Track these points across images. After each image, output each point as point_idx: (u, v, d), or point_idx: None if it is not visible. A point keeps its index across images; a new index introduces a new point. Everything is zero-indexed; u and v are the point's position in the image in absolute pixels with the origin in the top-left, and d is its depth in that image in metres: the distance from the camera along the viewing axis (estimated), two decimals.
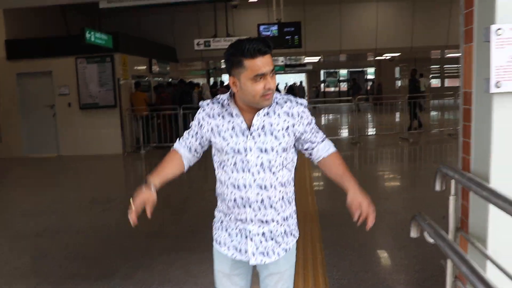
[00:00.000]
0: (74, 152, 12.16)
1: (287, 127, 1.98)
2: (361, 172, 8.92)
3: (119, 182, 9.39)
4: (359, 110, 15.74)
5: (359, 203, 1.93)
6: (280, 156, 1.98)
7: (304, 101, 2.06)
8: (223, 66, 29.52)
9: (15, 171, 10.86)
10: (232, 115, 1.99)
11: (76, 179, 9.50)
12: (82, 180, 9.25)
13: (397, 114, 16.00)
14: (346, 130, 15.56)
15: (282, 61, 28.27)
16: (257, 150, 1.95)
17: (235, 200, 2.00)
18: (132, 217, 1.92)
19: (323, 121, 19.63)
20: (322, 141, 2.12)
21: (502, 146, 1.96)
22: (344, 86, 37.20)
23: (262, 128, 1.95)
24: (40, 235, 5.55)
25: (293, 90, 29.96)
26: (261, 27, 13.18)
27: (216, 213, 2.19)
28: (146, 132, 12.45)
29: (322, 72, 37.20)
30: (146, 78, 14.45)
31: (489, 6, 1.95)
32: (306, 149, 2.11)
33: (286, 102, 2.01)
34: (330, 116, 21.57)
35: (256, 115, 1.95)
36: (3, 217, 6.56)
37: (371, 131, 15.46)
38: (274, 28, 13.14)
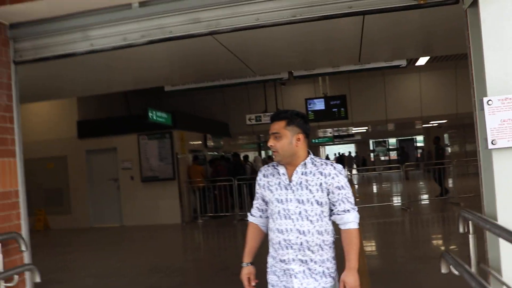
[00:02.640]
0: (136, 222, 12.98)
1: (320, 184, 2.47)
2: (408, 235, 9.19)
3: (179, 250, 9.96)
4: (407, 178, 15.91)
5: (344, 281, 2.44)
6: (315, 208, 2.48)
7: (339, 166, 2.52)
8: None
9: (84, 239, 11.70)
10: (279, 174, 2.57)
11: (139, 247, 10.17)
12: (145, 248, 9.89)
13: (450, 180, 16.04)
14: (397, 197, 15.68)
15: (330, 133, 28.95)
16: (296, 201, 2.49)
17: (279, 242, 2.53)
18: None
19: (375, 189, 19.82)
20: (344, 212, 2.48)
21: (504, 190, 2.46)
22: (393, 155, 37.32)
23: (300, 184, 2.50)
24: None
25: (342, 160, 30.46)
26: (309, 101, 13.96)
27: (268, 259, 2.69)
28: (203, 203, 13.20)
29: (371, 141, 37.59)
30: (202, 152, 15.42)
31: (482, 82, 2.54)
32: (331, 211, 2.54)
33: (322, 165, 2.51)
34: (383, 184, 21.70)
35: (294, 172, 2.52)
36: (76, 278, 7.23)
37: (422, 197, 15.54)
38: (321, 102, 13.90)
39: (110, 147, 13.49)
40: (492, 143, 2.43)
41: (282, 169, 2.56)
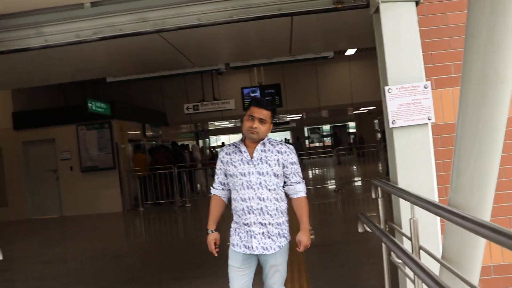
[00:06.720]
0: (76, 212, 13.02)
1: (278, 159, 3.03)
2: (339, 212, 9.97)
3: (122, 236, 10.23)
4: (339, 163, 16.81)
5: (299, 240, 3.03)
6: (273, 179, 3.01)
7: (291, 146, 3.11)
8: (210, 128, 31.00)
9: (23, 230, 11.64)
10: (241, 152, 3.06)
11: (82, 234, 10.34)
12: (88, 236, 10.07)
13: (379, 164, 17.09)
14: (331, 180, 16.54)
15: None
16: (257, 173, 3.01)
17: (243, 209, 3.04)
18: (213, 251, 3.17)
19: (310, 174, 20.68)
20: (296, 183, 3.08)
21: (402, 160, 3.09)
22: (328, 141, 38.75)
23: (260, 159, 3.02)
24: (63, 276, 6.45)
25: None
26: (244, 90, 14.48)
27: (231, 224, 3.20)
28: (144, 191, 13.44)
29: (305, 128, 38.77)
30: (141, 142, 15.60)
31: (384, 74, 3.16)
32: (285, 183, 3.11)
33: (278, 145, 3.09)
34: (316, 170, 22.65)
35: (255, 150, 3.03)
36: (24, 265, 7.38)
37: (354, 179, 16.51)
38: (256, 90, 14.46)
39: (48, 138, 13.40)
40: (392, 123, 3.05)
41: (243, 148, 3.06)
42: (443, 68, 3.50)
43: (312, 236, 7.55)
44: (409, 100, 3.03)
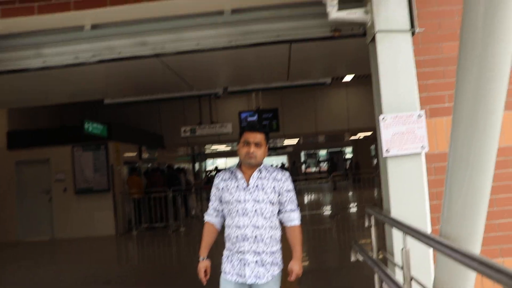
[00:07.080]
0: (68, 235, 12.78)
1: (274, 187, 3.02)
2: (334, 238, 9.92)
3: (114, 260, 10.10)
4: (335, 189, 16.78)
5: (291, 269, 3.00)
6: (268, 207, 2.99)
7: (287, 173, 3.11)
8: (207, 151, 31.00)
9: (13, 253, 11.45)
10: (237, 178, 3.04)
11: (74, 258, 10.20)
12: (80, 259, 9.92)
13: (375, 190, 17.02)
14: (326, 206, 16.49)
15: None
16: (252, 201, 2.98)
17: (237, 236, 3.00)
18: (202, 279, 3.13)
19: (305, 200, 20.62)
20: (291, 211, 3.06)
21: (395, 189, 3.09)
22: (324, 166, 38.71)
23: (256, 186, 3.00)
24: None
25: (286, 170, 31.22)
26: (242, 114, 14.52)
27: (224, 252, 3.16)
28: (138, 214, 13.31)
29: (302, 153, 38.81)
30: (137, 164, 15.55)
31: (379, 102, 3.18)
32: (279, 211, 3.09)
33: (274, 172, 3.07)
34: (312, 195, 22.58)
35: (251, 177, 3.02)
36: None
37: (350, 205, 16.45)
38: (254, 115, 14.49)
39: (42, 158, 13.29)
40: (386, 151, 3.08)
41: (240, 174, 3.04)
42: (437, 98, 3.54)
43: (306, 263, 7.50)
44: (403, 129, 3.06)
